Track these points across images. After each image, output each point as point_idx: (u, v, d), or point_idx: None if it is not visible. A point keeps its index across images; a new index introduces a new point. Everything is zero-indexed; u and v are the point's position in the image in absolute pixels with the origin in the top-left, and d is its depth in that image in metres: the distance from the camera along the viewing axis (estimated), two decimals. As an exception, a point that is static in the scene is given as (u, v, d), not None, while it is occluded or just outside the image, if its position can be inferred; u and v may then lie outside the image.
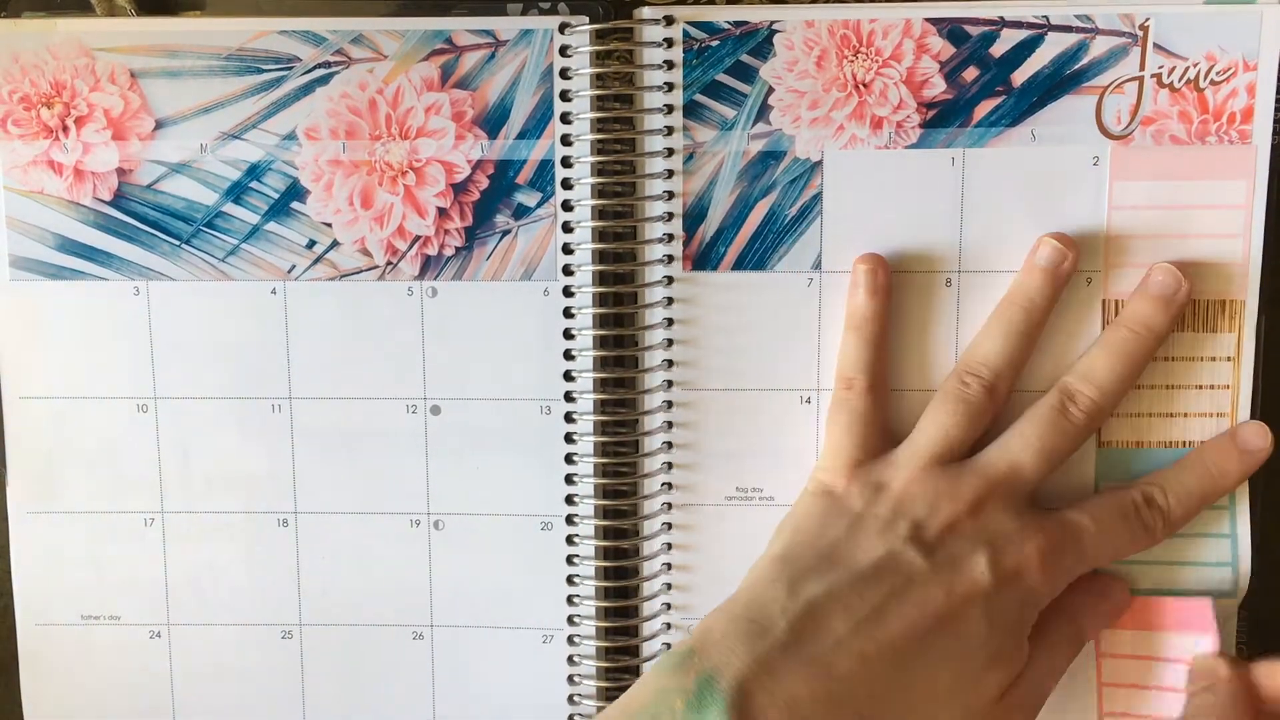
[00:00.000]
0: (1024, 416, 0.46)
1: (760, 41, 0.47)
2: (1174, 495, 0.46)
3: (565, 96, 0.48)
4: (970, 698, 0.43)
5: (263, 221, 0.49)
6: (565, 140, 0.48)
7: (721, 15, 0.47)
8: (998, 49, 0.47)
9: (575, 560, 0.49)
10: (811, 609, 0.42)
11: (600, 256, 0.48)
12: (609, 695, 0.50)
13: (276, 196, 0.49)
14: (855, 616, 0.42)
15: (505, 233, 0.48)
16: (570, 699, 0.50)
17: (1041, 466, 0.46)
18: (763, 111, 0.47)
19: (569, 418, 0.49)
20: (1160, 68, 0.46)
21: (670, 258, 0.48)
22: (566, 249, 0.48)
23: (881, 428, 0.47)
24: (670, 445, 0.49)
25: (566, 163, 0.48)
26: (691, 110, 0.48)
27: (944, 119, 0.47)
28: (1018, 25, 0.47)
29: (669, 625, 0.50)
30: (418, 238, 0.49)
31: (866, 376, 0.47)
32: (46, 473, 0.50)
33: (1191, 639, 0.47)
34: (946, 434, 0.46)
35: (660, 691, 0.41)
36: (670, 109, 0.47)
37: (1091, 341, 0.47)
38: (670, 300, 0.48)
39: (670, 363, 0.48)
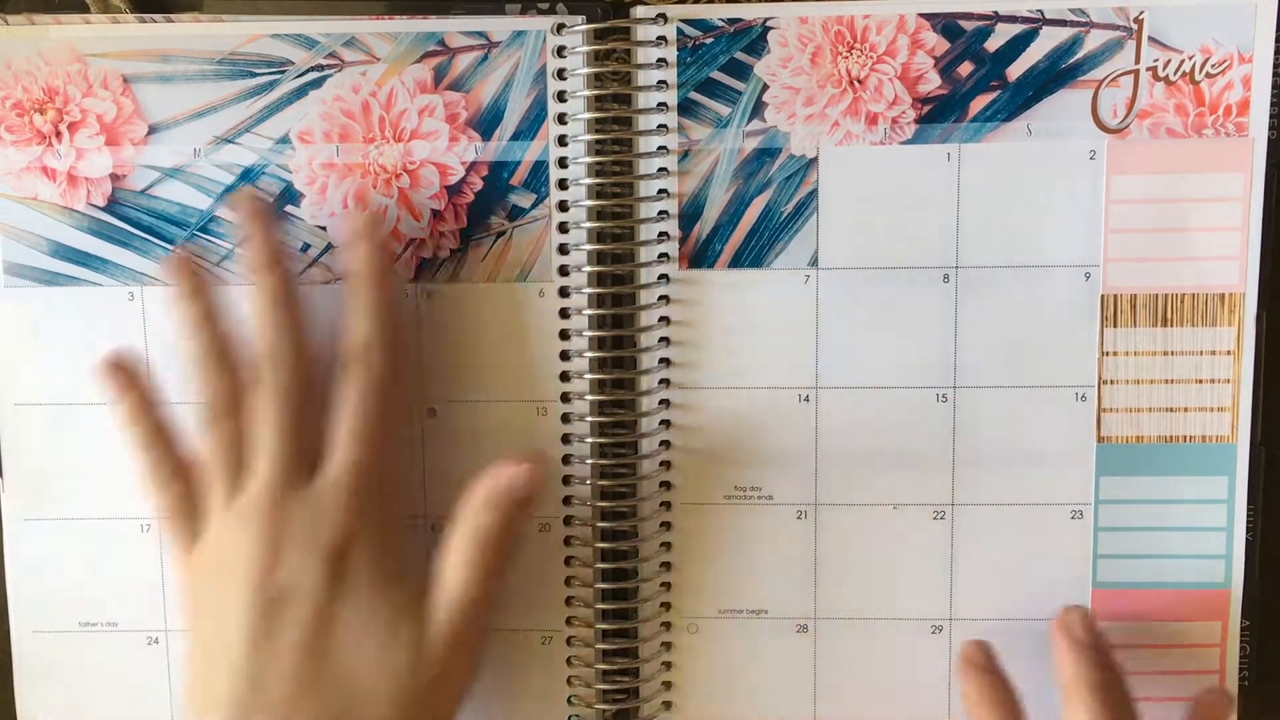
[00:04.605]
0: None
1: (754, 38, 0.47)
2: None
3: (561, 97, 0.47)
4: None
5: (257, 225, 0.49)
6: (561, 140, 0.48)
7: (715, 13, 0.47)
8: (992, 43, 0.47)
9: (573, 561, 0.49)
10: None
11: (596, 256, 0.48)
12: (608, 696, 0.50)
13: (270, 200, 0.49)
14: None
15: (500, 234, 0.48)
16: (569, 700, 0.50)
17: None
18: (757, 109, 0.47)
19: (566, 419, 0.49)
20: (1156, 61, 0.46)
21: (666, 256, 0.48)
22: (562, 249, 0.48)
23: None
24: (668, 445, 0.49)
25: (562, 163, 0.48)
26: (686, 108, 0.47)
27: (939, 114, 0.47)
28: (1012, 19, 0.46)
29: (668, 625, 0.49)
30: (412, 240, 0.48)
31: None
32: (42, 479, 0.50)
33: (1185, 626, 0.48)
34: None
35: None
36: (665, 107, 0.47)
37: (1083, 340, 0.47)
38: (666, 299, 0.48)
39: (667, 362, 0.48)
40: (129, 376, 0.47)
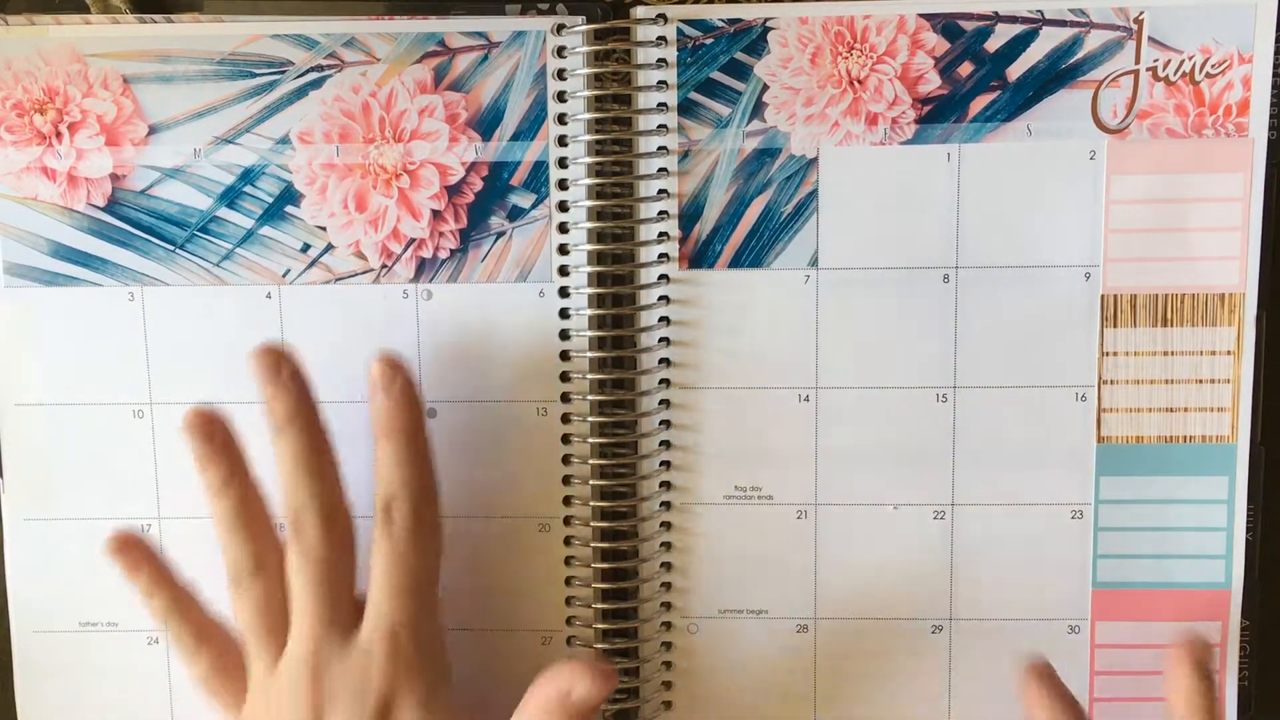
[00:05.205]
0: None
1: (754, 39, 0.47)
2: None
3: (561, 97, 0.47)
4: None
5: (257, 226, 0.49)
6: (561, 141, 0.48)
7: (715, 13, 0.47)
8: (992, 44, 0.47)
9: (573, 561, 0.49)
10: None
11: (596, 256, 0.48)
12: (609, 696, 0.49)
13: (270, 200, 0.49)
14: None
15: (500, 234, 0.48)
16: (570, 701, 0.50)
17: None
18: (758, 109, 0.47)
19: (565, 419, 0.49)
20: (1155, 61, 0.46)
21: (666, 256, 0.48)
22: (562, 249, 0.48)
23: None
24: (668, 445, 0.49)
25: (562, 163, 0.48)
26: (686, 109, 0.47)
27: (939, 114, 0.47)
28: (1012, 20, 0.46)
29: (668, 625, 0.49)
30: (412, 240, 0.48)
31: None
32: (43, 479, 0.50)
33: (1185, 628, 0.48)
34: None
35: None
36: (665, 107, 0.47)
37: (1083, 340, 0.47)
38: (666, 299, 0.48)
39: (667, 362, 0.48)
40: (140, 552, 0.47)
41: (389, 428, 0.45)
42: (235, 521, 0.45)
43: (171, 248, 0.49)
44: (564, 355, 0.48)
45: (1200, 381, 0.47)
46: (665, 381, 0.48)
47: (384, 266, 0.49)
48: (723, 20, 0.47)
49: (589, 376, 0.48)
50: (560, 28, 0.47)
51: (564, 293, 0.48)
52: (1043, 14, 0.46)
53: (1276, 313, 0.47)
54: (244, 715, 0.45)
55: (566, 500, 0.49)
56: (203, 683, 0.46)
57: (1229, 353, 0.47)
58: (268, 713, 0.44)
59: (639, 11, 0.47)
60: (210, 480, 0.45)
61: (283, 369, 0.45)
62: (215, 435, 0.45)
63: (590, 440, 0.48)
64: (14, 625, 0.50)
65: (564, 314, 0.48)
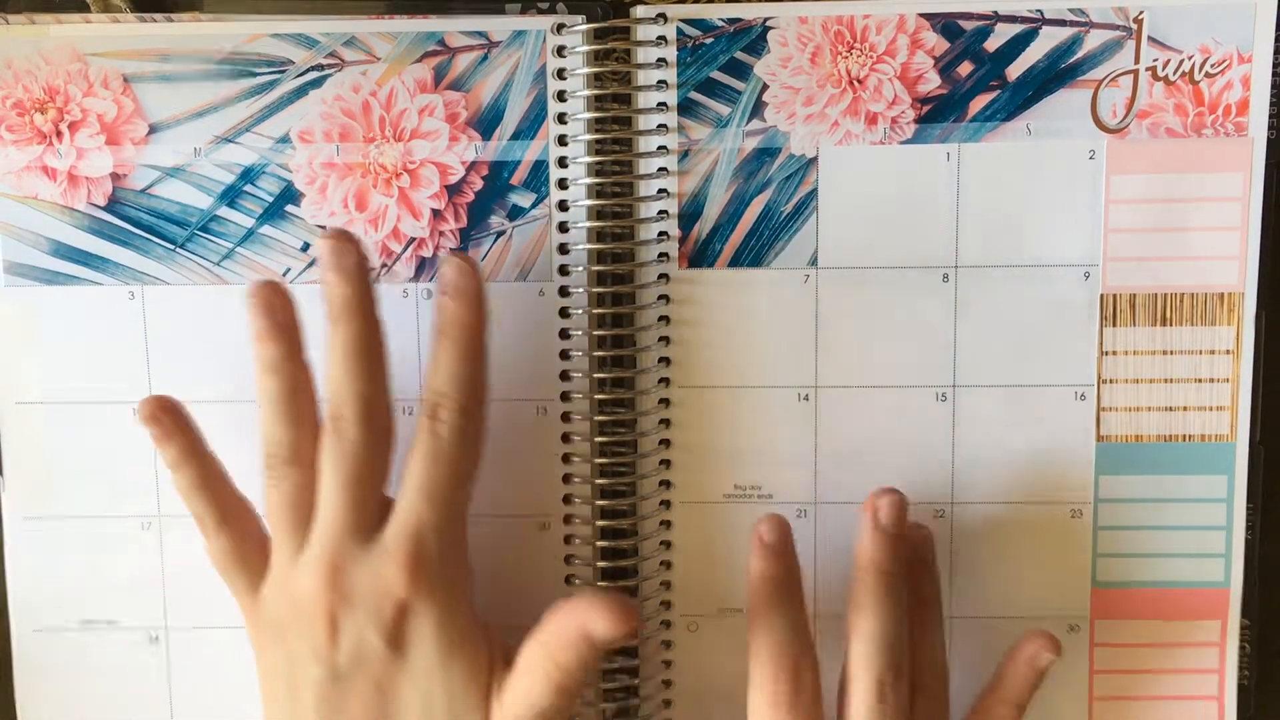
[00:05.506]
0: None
1: (754, 38, 0.47)
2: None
3: (561, 97, 0.48)
4: None
5: (257, 225, 0.49)
6: (561, 140, 0.48)
7: (715, 13, 0.47)
8: (992, 43, 0.47)
9: (573, 561, 0.49)
10: None
11: (596, 256, 0.48)
12: (609, 696, 0.50)
13: (271, 200, 0.49)
14: None
15: (500, 234, 0.48)
16: (570, 700, 0.50)
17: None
18: (757, 108, 0.47)
19: (565, 418, 0.49)
20: (1155, 60, 0.46)
21: (666, 256, 0.48)
22: (562, 249, 0.48)
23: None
24: (667, 444, 0.49)
25: (562, 163, 0.48)
26: (686, 108, 0.47)
27: (939, 114, 0.47)
28: (1012, 19, 0.46)
29: (668, 624, 0.49)
30: (412, 240, 0.48)
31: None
32: (43, 478, 0.50)
33: (1184, 625, 0.48)
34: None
35: None
36: (665, 107, 0.47)
37: (1083, 339, 0.47)
38: (666, 299, 0.48)
39: (667, 362, 0.48)
40: (175, 419, 0.45)
41: (451, 325, 0.44)
42: (281, 404, 0.43)
43: (172, 247, 0.49)
44: (564, 355, 0.48)
45: (1199, 380, 0.47)
46: (665, 381, 0.48)
47: (384, 266, 0.49)
48: (723, 20, 0.47)
49: (589, 376, 0.48)
50: (560, 27, 0.47)
51: (564, 292, 0.48)
52: (1042, 14, 0.46)
53: (1276, 312, 0.47)
54: (261, 599, 0.44)
55: (566, 500, 0.49)
56: (218, 561, 0.45)
57: (1228, 352, 0.47)
58: (284, 607, 0.43)
59: (639, 11, 0.47)
60: (265, 356, 0.44)
61: (347, 255, 0.44)
62: (276, 310, 0.44)
63: (590, 440, 0.49)
64: (14, 625, 0.50)
65: (564, 314, 0.48)
